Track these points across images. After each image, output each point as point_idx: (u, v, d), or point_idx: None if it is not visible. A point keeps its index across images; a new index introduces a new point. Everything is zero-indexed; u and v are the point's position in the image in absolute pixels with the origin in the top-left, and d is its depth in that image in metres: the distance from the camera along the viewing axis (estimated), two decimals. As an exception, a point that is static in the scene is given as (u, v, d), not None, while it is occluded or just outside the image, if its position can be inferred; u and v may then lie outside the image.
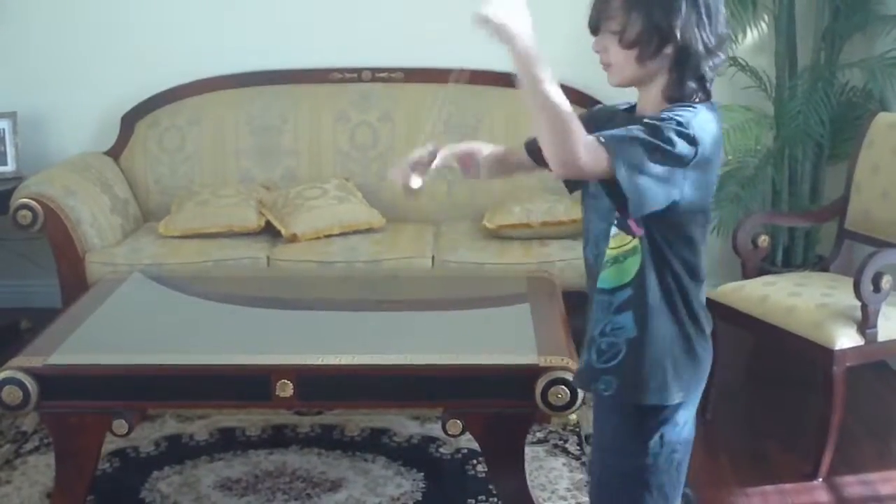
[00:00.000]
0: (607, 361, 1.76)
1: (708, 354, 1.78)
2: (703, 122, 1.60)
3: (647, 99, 1.69)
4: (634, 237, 1.69)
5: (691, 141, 1.57)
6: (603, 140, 1.56)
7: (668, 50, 1.62)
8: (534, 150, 1.92)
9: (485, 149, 2.00)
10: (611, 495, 1.82)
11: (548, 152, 1.56)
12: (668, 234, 1.67)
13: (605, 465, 1.85)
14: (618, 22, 1.64)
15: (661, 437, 1.75)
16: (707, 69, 1.64)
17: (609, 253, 1.72)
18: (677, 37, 1.60)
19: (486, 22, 1.55)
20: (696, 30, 1.61)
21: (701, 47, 1.61)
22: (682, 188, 1.60)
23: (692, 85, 1.64)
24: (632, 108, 1.77)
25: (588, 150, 1.54)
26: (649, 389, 1.72)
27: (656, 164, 1.56)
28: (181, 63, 4.31)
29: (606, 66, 1.70)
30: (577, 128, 1.54)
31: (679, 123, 1.57)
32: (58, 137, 4.38)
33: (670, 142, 1.56)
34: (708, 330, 1.77)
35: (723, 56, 1.66)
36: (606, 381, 1.77)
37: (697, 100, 1.66)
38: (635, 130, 1.57)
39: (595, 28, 1.69)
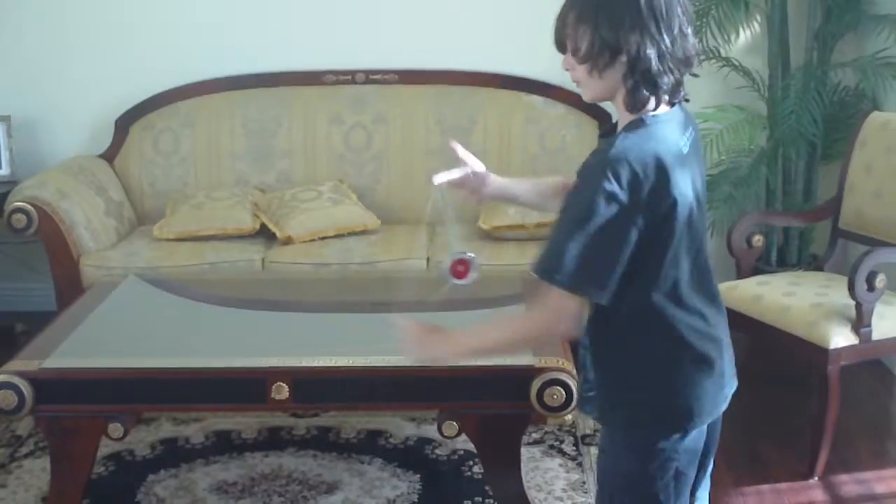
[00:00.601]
0: (587, 391, 1.79)
1: (706, 375, 1.74)
2: (625, 156, 1.57)
3: (618, 111, 1.69)
4: None
5: (617, 201, 1.56)
6: (541, 276, 1.61)
7: (622, 59, 1.61)
8: None
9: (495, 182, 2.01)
10: (607, 497, 1.82)
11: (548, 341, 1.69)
12: (635, 272, 1.63)
13: (604, 467, 1.85)
14: (572, 38, 1.65)
15: (654, 445, 1.73)
16: (662, 75, 1.61)
17: None
18: (626, 47, 1.59)
19: (420, 362, 1.87)
20: (644, 37, 1.59)
21: (652, 54, 1.59)
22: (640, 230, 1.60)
23: (645, 93, 1.62)
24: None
25: (548, 322, 1.66)
26: (624, 428, 1.74)
27: (601, 246, 1.57)
28: (175, 66, 4.30)
29: (577, 83, 1.71)
30: (532, 329, 1.70)
31: (595, 189, 1.56)
32: (52, 141, 4.38)
33: (593, 215, 1.56)
34: (710, 348, 1.74)
35: (686, 56, 1.62)
36: (589, 407, 1.81)
37: (652, 110, 1.64)
38: (556, 243, 1.60)
39: (560, 47, 1.70)
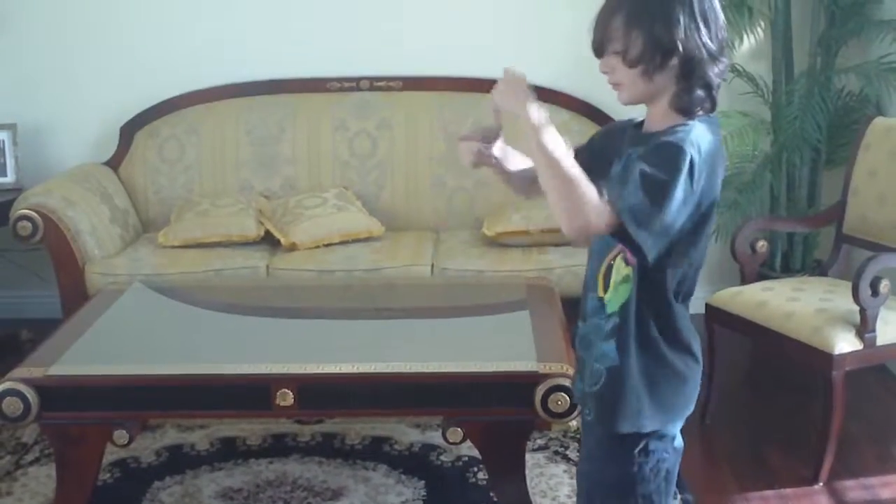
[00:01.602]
0: (592, 386, 1.78)
1: (695, 372, 1.76)
2: (699, 143, 1.59)
3: (656, 113, 1.69)
4: (628, 265, 1.69)
5: (691, 176, 1.57)
6: (611, 202, 1.57)
7: (674, 62, 1.62)
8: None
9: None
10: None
11: (559, 218, 1.58)
12: (665, 261, 1.65)
13: (591, 475, 1.85)
14: (620, 42, 1.63)
15: (647, 448, 1.74)
16: (713, 76, 1.64)
17: (620, 274, 1.72)
18: (680, 48, 1.60)
19: (497, 103, 1.70)
20: (697, 38, 1.61)
21: (704, 54, 1.61)
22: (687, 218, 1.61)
23: (700, 94, 1.64)
24: (640, 124, 1.76)
25: (599, 215, 1.56)
26: (624, 417, 1.73)
27: (664, 211, 1.56)
28: (180, 73, 4.32)
29: (615, 85, 1.69)
30: (587, 193, 1.56)
31: (676, 160, 1.56)
32: (57, 148, 4.40)
33: (672, 187, 1.55)
34: (695, 346, 1.76)
35: (726, 60, 1.66)
36: (591, 405, 1.80)
37: (701, 111, 1.65)
38: (636, 185, 1.56)
39: (598, 50, 1.68)
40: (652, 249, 1.59)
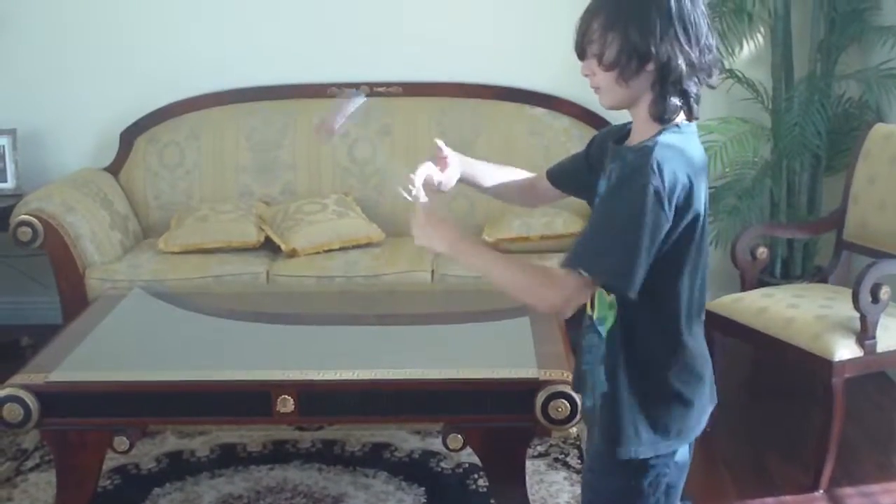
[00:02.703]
0: (592, 402, 1.78)
1: (701, 396, 1.74)
2: (661, 165, 1.57)
3: (637, 119, 1.68)
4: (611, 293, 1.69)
5: (660, 204, 1.56)
6: (573, 266, 1.60)
7: (650, 68, 1.60)
8: (559, 177, 1.95)
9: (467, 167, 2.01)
10: None
11: (529, 305, 1.69)
12: (658, 284, 1.63)
13: (592, 486, 1.85)
14: (597, 45, 1.63)
15: (646, 463, 1.72)
16: (691, 85, 1.61)
17: (605, 300, 1.71)
18: (654, 54, 1.58)
19: (421, 245, 1.81)
20: (674, 46, 1.58)
21: (682, 63, 1.59)
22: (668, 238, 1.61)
23: (675, 102, 1.62)
24: (627, 134, 1.75)
25: (562, 290, 1.62)
26: (620, 444, 1.71)
27: (632, 253, 1.56)
28: (180, 79, 4.32)
29: (596, 89, 1.69)
30: (536, 279, 1.65)
31: (642, 185, 1.56)
32: (57, 154, 4.39)
33: (641, 214, 1.55)
34: (704, 371, 1.74)
35: (709, 67, 1.63)
36: (592, 420, 1.81)
37: (677, 120, 1.64)
38: (600, 235, 1.60)
39: (580, 53, 1.68)
40: (629, 289, 1.59)
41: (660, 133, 1.62)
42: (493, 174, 2.03)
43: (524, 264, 1.69)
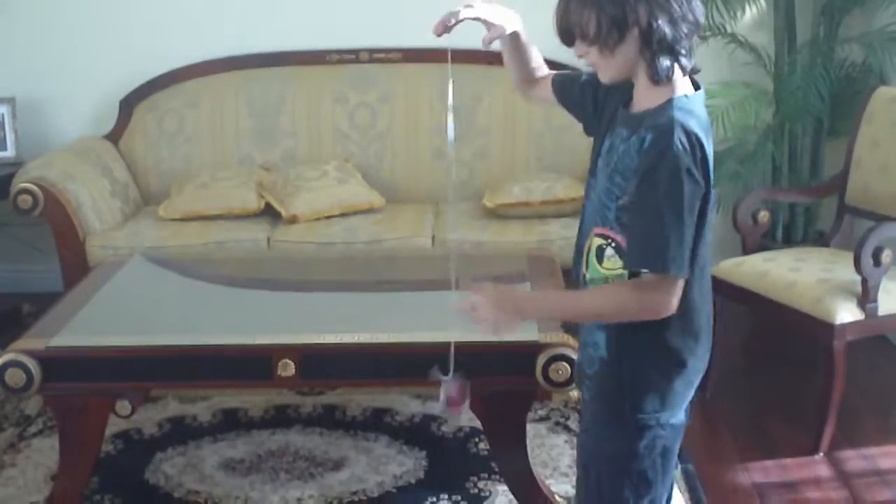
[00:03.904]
0: (588, 368, 1.79)
1: (699, 359, 1.75)
2: (685, 141, 1.58)
3: (639, 88, 1.68)
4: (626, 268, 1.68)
5: (694, 179, 1.58)
6: (661, 270, 1.60)
7: (634, 33, 1.60)
8: (561, 88, 1.95)
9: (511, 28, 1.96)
10: (594, 478, 1.82)
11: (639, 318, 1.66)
12: None
13: (588, 448, 1.85)
14: (578, 24, 1.63)
15: (643, 425, 1.73)
16: (680, 41, 1.60)
17: (600, 272, 1.71)
18: (632, 19, 1.58)
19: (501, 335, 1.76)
20: (653, 7, 1.58)
21: (662, 22, 1.58)
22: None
23: (666, 62, 1.61)
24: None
25: (669, 293, 1.61)
26: (622, 407, 1.72)
27: (684, 236, 1.58)
28: (179, 46, 4.30)
29: (592, 66, 1.70)
30: (635, 292, 1.62)
31: (677, 167, 1.57)
32: (57, 122, 4.38)
33: (682, 196, 1.57)
34: (704, 332, 1.74)
35: (694, 18, 1.61)
36: (588, 385, 1.80)
37: (682, 89, 1.64)
38: (659, 230, 1.59)
39: (568, 38, 1.68)
40: (685, 272, 1.61)
41: (671, 107, 1.62)
42: (535, 58, 2.03)
43: (602, 288, 1.68)
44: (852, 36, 3.90)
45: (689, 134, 1.59)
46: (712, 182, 1.63)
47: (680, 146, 1.57)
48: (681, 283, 1.62)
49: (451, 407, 1.91)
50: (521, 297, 1.78)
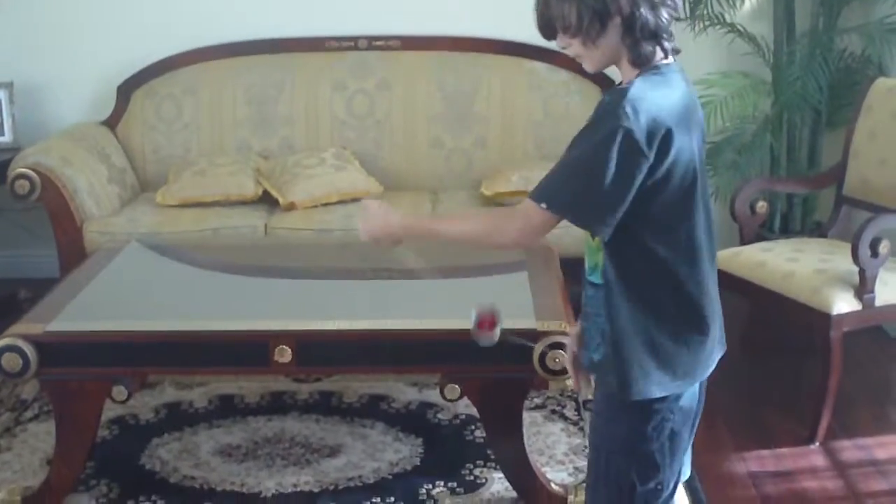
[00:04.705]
0: (594, 353, 1.78)
1: (705, 337, 1.74)
2: (635, 109, 1.57)
3: (624, 73, 1.68)
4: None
5: (634, 143, 1.57)
6: (535, 199, 1.66)
7: (615, 22, 1.61)
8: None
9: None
10: (603, 459, 1.82)
11: (496, 246, 1.81)
12: (632, 225, 1.64)
13: (598, 430, 1.86)
14: (558, 18, 1.64)
15: (649, 408, 1.73)
16: (661, 25, 1.61)
17: (591, 246, 1.74)
18: (618, 10, 1.60)
19: (371, 241, 1.90)
20: None
21: (645, 10, 1.60)
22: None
23: (648, 46, 1.62)
24: None
25: (525, 217, 1.68)
26: (629, 385, 1.72)
27: (597, 192, 1.59)
28: (177, 32, 4.28)
29: (577, 57, 1.71)
30: (501, 215, 1.71)
31: (612, 126, 1.57)
32: (54, 107, 4.37)
33: (607, 151, 1.57)
34: (710, 314, 1.74)
35: (672, 3, 1.63)
36: (596, 371, 1.81)
37: (654, 59, 1.64)
38: (566, 172, 1.64)
39: (549, 32, 1.69)
40: (599, 230, 1.63)
41: (638, 76, 1.63)
42: None
43: (479, 210, 1.72)
44: (851, 26, 3.89)
45: (641, 100, 1.58)
46: (680, 157, 1.61)
47: (629, 109, 1.57)
48: (545, 218, 1.66)
49: (480, 329, 1.96)
50: (394, 219, 1.87)
